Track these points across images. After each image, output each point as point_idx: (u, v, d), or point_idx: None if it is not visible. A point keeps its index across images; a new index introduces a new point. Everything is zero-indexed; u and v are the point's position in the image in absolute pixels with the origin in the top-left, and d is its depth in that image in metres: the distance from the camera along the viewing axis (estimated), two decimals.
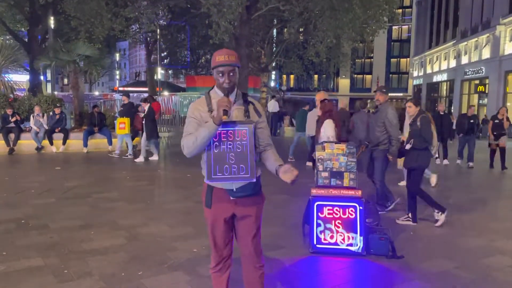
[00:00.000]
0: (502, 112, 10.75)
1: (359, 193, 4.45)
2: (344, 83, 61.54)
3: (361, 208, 4.37)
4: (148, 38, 37.05)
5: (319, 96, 6.23)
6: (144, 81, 45.88)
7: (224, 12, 19.17)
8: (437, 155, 10.68)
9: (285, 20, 25.16)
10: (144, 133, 10.44)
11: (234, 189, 2.50)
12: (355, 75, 61.95)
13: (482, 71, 29.06)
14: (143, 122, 10.47)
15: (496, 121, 10.63)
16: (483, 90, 28.55)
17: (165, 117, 22.47)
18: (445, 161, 11.29)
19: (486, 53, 28.80)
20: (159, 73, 42.64)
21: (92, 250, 4.28)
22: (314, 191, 4.48)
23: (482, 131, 17.69)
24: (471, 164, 10.91)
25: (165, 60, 42.78)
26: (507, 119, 10.72)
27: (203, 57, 44.93)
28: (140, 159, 10.40)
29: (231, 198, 2.51)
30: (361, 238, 4.31)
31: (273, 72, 49.61)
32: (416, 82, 47.72)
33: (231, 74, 2.47)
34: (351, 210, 4.39)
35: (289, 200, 6.58)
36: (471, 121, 11.06)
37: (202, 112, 2.49)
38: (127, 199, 6.53)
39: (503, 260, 4.28)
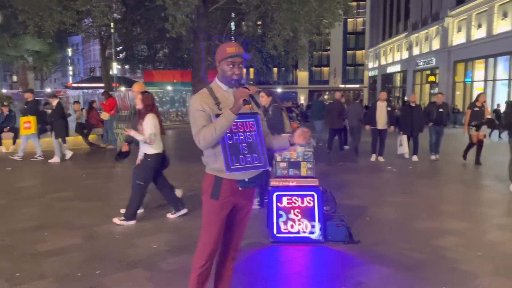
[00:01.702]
0: (482, 99, 9.63)
1: (316, 182, 4.55)
2: (303, 75, 62.31)
3: (318, 196, 4.48)
4: (102, 32, 35.83)
5: (138, 88, 5.35)
6: (100, 76, 44.44)
7: (180, 5, 18.86)
8: (400, 143, 10.35)
9: (242, 13, 25.13)
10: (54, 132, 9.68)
11: (246, 179, 2.56)
12: (313, 68, 62.85)
13: (433, 62, 30.31)
14: (51, 120, 9.66)
15: (476, 109, 9.45)
16: (434, 80, 29.81)
17: (122, 113, 21.92)
18: (414, 157, 10.03)
19: (436, 44, 30.04)
20: (115, 68, 41.41)
21: (46, 251, 4.14)
22: (273, 182, 4.54)
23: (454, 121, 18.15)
24: (435, 157, 10.18)
25: (121, 55, 41.58)
26: (485, 105, 9.61)
27: (161, 51, 44.09)
28: (55, 159, 9.75)
29: (240, 189, 2.55)
30: (319, 225, 4.42)
31: None
32: (371, 73, 49.10)
33: (240, 65, 2.54)
34: (309, 199, 4.48)
35: None
36: (441, 110, 10.04)
37: (210, 105, 2.49)
38: (83, 197, 6.34)
39: (452, 239, 4.52)
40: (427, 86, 31.94)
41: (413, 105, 10.22)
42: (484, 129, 9.54)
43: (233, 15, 29.31)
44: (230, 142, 2.49)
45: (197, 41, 24.24)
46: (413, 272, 3.68)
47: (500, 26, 22.59)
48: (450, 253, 4.11)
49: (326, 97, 59.35)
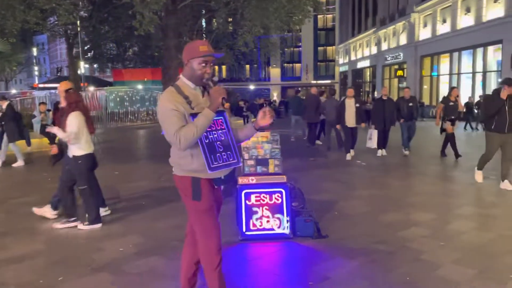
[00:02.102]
0: (455, 93, 9.55)
1: (284, 178, 4.57)
2: (275, 72, 62.51)
3: (286, 193, 4.50)
4: (68, 31, 34.85)
5: (63, 86, 5.10)
6: (67, 76, 43.25)
7: (148, 2, 18.51)
8: (370, 137, 10.12)
9: (213, 10, 24.95)
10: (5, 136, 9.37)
11: (222, 177, 2.60)
12: (285, 64, 63.16)
13: (400, 57, 30.97)
14: (2, 123, 9.31)
15: (451, 103, 9.40)
16: (402, 75, 30.47)
17: (92, 114, 21.44)
18: (382, 151, 10.13)
19: (403, 40, 30.69)
20: (83, 67, 40.41)
21: (8, 258, 4.00)
22: (241, 180, 4.53)
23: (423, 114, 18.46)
24: (406, 152, 10.10)
25: (89, 54, 40.61)
26: (458, 100, 9.57)
27: (130, 50, 43.30)
28: (19, 163, 9.48)
29: (215, 187, 2.62)
30: (288, 221, 4.44)
31: None
32: (342, 69, 49.77)
33: (211, 64, 2.54)
34: (278, 196, 4.49)
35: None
36: (410, 104, 10.03)
37: (182, 104, 2.45)
38: (47, 202, 6.14)
39: (417, 231, 4.63)
40: (396, 80, 32.63)
41: (385, 98, 10.11)
42: (456, 124, 9.60)
43: (203, 12, 29.03)
44: (206, 141, 2.50)
45: (166, 39, 23.89)
46: (378, 264, 3.75)
47: (464, 21, 23.28)
48: (414, 244, 4.21)
49: (293, 93, 59.75)
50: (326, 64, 63.23)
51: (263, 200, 4.48)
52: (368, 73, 40.36)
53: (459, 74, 24.38)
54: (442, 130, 9.62)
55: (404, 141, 10.23)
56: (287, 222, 4.44)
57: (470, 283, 3.37)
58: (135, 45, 40.90)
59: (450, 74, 25.16)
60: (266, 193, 4.49)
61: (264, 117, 2.64)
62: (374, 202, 5.93)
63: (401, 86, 31.49)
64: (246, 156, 4.63)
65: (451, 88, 10.09)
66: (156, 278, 3.52)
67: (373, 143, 10.22)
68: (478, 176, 7.00)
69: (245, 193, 4.47)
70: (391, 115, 9.98)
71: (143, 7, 18.51)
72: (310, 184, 7.17)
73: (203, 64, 2.50)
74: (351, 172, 8.29)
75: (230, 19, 27.06)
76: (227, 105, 2.55)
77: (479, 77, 22.48)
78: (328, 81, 61.04)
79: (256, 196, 4.48)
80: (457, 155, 9.41)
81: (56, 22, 29.64)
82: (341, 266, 3.73)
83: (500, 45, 20.17)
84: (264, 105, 22.86)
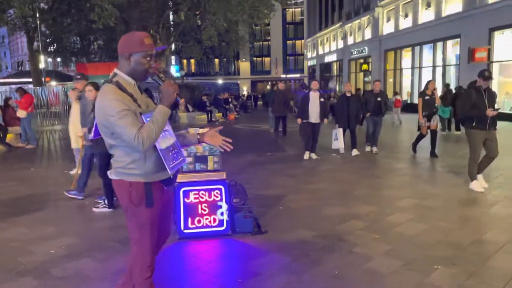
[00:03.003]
0: (431, 86, 8.83)
1: (223, 175, 4.54)
2: (244, 66, 62.38)
3: (226, 189, 4.47)
4: (28, 24, 33.56)
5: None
6: (29, 71, 41.73)
7: None
8: (335, 137, 9.44)
9: (179, 3, 24.57)
10: None
11: (171, 176, 2.48)
12: (255, 58, 63.13)
13: (365, 51, 31.45)
14: None
15: (427, 97, 8.67)
16: (367, 69, 30.99)
17: (54, 109, 20.79)
18: (354, 151, 9.31)
19: (368, 34, 31.17)
20: (46, 61, 39.07)
21: None
22: (179, 178, 4.46)
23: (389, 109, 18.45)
24: (375, 149, 9.56)
25: (51, 47, 39.27)
26: (435, 93, 8.82)
27: (95, 43, 42.16)
28: None
29: (165, 188, 2.48)
30: (227, 218, 4.42)
31: (173, 57, 48.51)
32: (310, 63, 50.14)
33: (153, 57, 2.41)
34: (216, 193, 4.46)
35: None
36: (378, 99, 9.36)
37: (129, 102, 2.26)
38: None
39: (356, 224, 4.71)
40: (361, 74, 33.16)
41: (348, 94, 9.39)
42: (436, 120, 8.85)
43: (170, 4, 28.54)
44: (159, 141, 2.36)
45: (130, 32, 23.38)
46: (310, 258, 3.79)
47: (424, 16, 23.82)
48: (350, 237, 4.28)
49: (268, 87, 59.87)
50: (295, 58, 63.60)
51: (202, 198, 4.44)
52: (335, 67, 40.83)
53: (420, 67, 24.98)
54: (419, 128, 8.96)
55: (369, 137, 9.66)
56: (226, 219, 4.43)
57: (395, 274, 3.44)
58: (99, 39, 39.85)
59: (412, 68, 25.74)
60: (205, 190, 4.45)
61: (212, 138, 2.61)
62: (320, 196, 5.99)
63: (366, 80, 32.03)
64: (184, 153, 4.56)
65: (428, 82, 9.15)
66: (83, 281, 3.43)
67: (339, 143, 9.51)
68: (477, 184, 6.07)
69: (184, 191, 4.41)
70: (356, 112, 9.37)
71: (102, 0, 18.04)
72: (263, 179, 7.19)
73: (148, 58, 2.35)
74: (304, 166, 8.35)
75: (197, 12, 26.69)
76: (182, 100, 2.48)
77: (439, 71, 23.10)
78: (297, 75, 61.46)
79: (194, 194, 4.44)
80: (433, 154, 8.78)
81: (14, 15, 28.49)
82: (274, 262, 3.74)
83: (458, 39, 20.76)
84: (229, 100, 22.78)
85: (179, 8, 23.28)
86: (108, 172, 2.50)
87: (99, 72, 34.92)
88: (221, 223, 4.42)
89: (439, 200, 5.62)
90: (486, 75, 5.85)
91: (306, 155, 9.12)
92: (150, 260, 2.50)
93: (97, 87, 5.49)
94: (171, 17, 30.98)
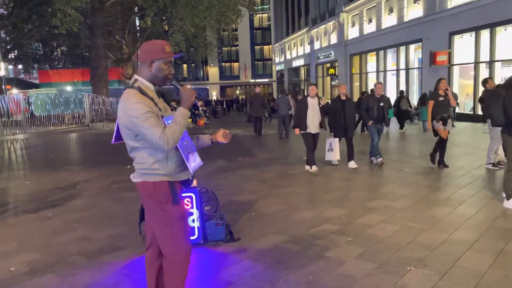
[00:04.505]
0: (443, 86, 7.70)
1: (194, 182, 4.42)
2: (213, 71, 62.21)
3: (197, 197, 4.36)
4: None
5: None
6: None
7: None
8: (330, 147, 8.26)
9: (144, 8, 24.23)
10: None
11: (190, 178, 2.60)
12: (223, 63, 63.06)
13: (332, 55, 32.00)
14: None
15: (441, 98, 7.62)
16: (333, 73, 31.51)
17: (15, 118, 19.97)
18: (352, 163, 8.19)
19: (333, 39, 31.73)
20: (6, 68, 37.61)
21: None
22: None
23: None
24: (380, 159, 8.44)
25: (11, 54, 37.85)
26: (448, 93, 7.69)
27: (58, 49, 40.96)
28: None
29: (184, 189, 2.63)
30: (198, 227, 4.31)
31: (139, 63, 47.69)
32: (278, 67, 50.56)
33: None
34: (187, 201, 4.34)
35: (130, 196, 6.30)
36: (381, 104, 8.29)
37: (151, 105, 2.38)
38: None
39: (328, 227, 4.69)
40: (328, 78, 33.70)
41: (344, 98, 8.17)
42: (450, 124, 7.82)
43: (135, 10, 28.09)
44: (180, 142, 2.48)
45: (94, 38, 22.87)
46: (283, 265, 3.73)
47: (387, 21, 24.48)
48: (323, 241, 4.26)
49: (238, 91, 59.90)
50: (264, 63, 64.00)
51: None
52: (303, 72, 41.33)
53: (385, 71, 25.62)
54: (436, 132, 7.81)
55: (374, 147, 8.47)
56: (197, 228, 4.31)
57: (369, 277, 3.43)
58: (63, 45, 38.76)
59: (377, 71, 26.37)
60: None
61: (222, 136, 2.80)
62: (292, 200, 5.96)
63: (333, 84, 32.56)
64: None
65: (439, 80, 7.89)
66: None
67: (334, 155, 8.23)
68: None
69: None
70: (353, 119, 8.46)
71: (65, 4, 17.58)
72: (234, 184, 7.11)
73: (168, 64, 2.49)
74: (274, 170, 8.32)
75: (164, 18, 26.41)
76: (200, 103, 2.62)
77: (403, 74, 23.75)
78: (266, 80, 61.80)
79: None
80: (441, 163, 7.79)
81: None
82: (247, 270, 3.66)
83: (420, 44, 21.43)
84: (198, 105, 22.59)
85: (145, 13, 22.93)
86: (131, 176, 2.56)
87: (63, 79, 34.02)
88: (192, 231, 4.30)
89: (409, 200, 5.70)
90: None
91: (311, 169, 7.91)
92: (188, 259, 2.61)
93: None
94: (137, 22, 30.53)
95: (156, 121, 2.34)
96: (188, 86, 2.53)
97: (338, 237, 4.37)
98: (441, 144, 7.81)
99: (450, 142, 8.38)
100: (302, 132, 7.80)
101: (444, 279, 3.35)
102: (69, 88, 31.77)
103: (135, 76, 2.50)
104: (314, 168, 7.90)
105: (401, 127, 15.16)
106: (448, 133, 7.78)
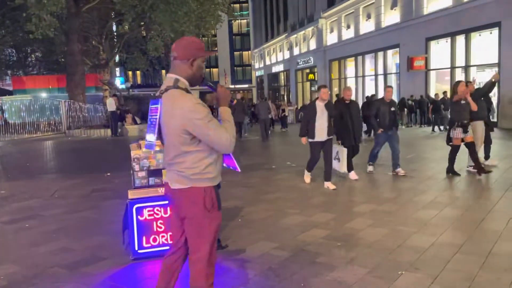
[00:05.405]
0: (462, 88, 6.94)
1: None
2: None
3: None
4: None
5: None
6: None
7: (44, 4, 17.16)
8: (336, 156, 7.37)
9: (122, 13, 23.90)
10: None
11: (220, 181, 2.50)
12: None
13: (311, 61, 32.27)
14: None
15: (463, 102, 6.96)
16: (313, 78, 31.77)
17: None
18: (353, 175, 7.47)
19: (312, 44, 32.02)
20: None
21: None
22: (132, 194, 4.18)
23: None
24: (402, 171, 7.58)
25: None
26: (467, 97, 7.00)
27: (32, 55, 40.02)
28: None
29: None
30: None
31: (117, 69, 47.03)
32: (258, 73, 50.68)
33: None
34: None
35: (111, 204, 6.12)
36: (392, 108, 7.57)
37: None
38: None
39: (317, 232, 4.64)
40: (308, 84, 33.94)
41: (348, 101, 7.34)
42: (471, 131, 7.26)
43: (112, 15, 27.68)
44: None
45: (70, 43, 22.39)
46: (274, 272, 3.64)
47: (365, 27, 24.85)
48: (312, 247, 4.19)
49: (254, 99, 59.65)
50: (243, 68, 64.09)
51: (157, 214, 4.18)
52: (282, 77, 41.54)
53: (363, 76, 25.96)
54: (449, 140, 7.33)
55: (374, 154, 7.94)
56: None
57: (361, 282, 3.38)
58: (37, 50, 37.89)
59: (356, 76, 26.70)
60: (160, 206, 4.19)
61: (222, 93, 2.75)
62: (279, 205, 5.89)
63: (313, 90, 32.81)
64: (136, 167, 4.28)
65: (456, 83, 7.25)
66: None
67: (341, 166, 7.37)
68: None
69: (137, 208, 4.13)
70: (360, 125, 7.86)
71: (40, 9, 17.16)
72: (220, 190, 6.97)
73: (204, 63, 2.44)
74: (260, 176, 8.24)
75: (142, 23, 26.10)
76: (235, 101, 2.65)
77: (381, 79, 24.11)
78: (246, 85, 61.85)
79: (149, 211, 4.16)
80: (481, 170, 7.09)
81: None
82: (237, 278, 3.56)
83: (397, 49, 21.82)
84: None
85: (123, 18, 22.60)
86: (169, 182, 2.43)
87: (38, 85, 33.19)
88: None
89: (396, 204, 5.71)
90: None
91: (307, 178, 7.35)
92: (214, 263, 2.59)
93: None
94: (114, 27, 30.10)
95: (217, 122, 2.30)
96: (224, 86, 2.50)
97: (328, 242, 4.31)
98: (455, 153, 7.31)
99: (431, 146, 8.47)
100: (310, 141, 6.87)
101: (437, 282, 3.33)
102: (44, 94, 31.03)
103: (175, 76, 2.34)
104: (307, 177, 7.35)
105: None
106: (462, 140, 7.19)
